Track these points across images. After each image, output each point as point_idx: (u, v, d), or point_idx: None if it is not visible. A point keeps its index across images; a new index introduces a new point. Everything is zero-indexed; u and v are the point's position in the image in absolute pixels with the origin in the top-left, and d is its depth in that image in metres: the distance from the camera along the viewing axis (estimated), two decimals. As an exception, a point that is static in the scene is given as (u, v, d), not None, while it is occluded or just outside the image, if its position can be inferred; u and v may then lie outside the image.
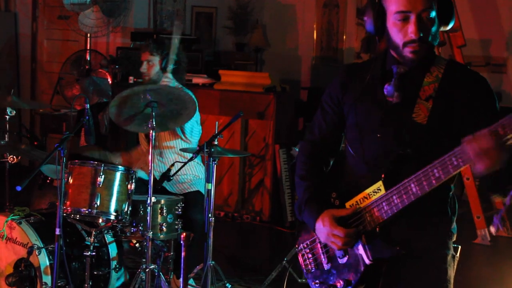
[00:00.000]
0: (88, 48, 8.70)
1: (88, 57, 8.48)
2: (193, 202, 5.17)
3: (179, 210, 4.98)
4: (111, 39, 8.94)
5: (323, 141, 3.01)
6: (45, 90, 9.78)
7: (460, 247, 2.82)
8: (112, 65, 7.95)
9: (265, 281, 5.79)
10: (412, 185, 2.53)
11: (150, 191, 4.63)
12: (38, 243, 4.65)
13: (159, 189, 5.01)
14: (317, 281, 2.87)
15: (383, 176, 2.63)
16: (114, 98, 4.74)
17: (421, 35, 2.60)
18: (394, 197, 2.57)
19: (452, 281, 2.76)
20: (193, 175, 5.30)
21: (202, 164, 5.19)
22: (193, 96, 5.19)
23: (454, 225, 2.83)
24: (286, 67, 10.03)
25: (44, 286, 4.59)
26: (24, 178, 4.31)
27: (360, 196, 2.72)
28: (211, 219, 4.86)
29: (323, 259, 2.82)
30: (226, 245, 6.41)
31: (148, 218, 4.67)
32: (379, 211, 2.63)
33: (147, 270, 4.72)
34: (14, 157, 5.28)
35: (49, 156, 4.58)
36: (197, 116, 5.39)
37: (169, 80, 5.33)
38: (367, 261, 2.65)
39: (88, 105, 5.18)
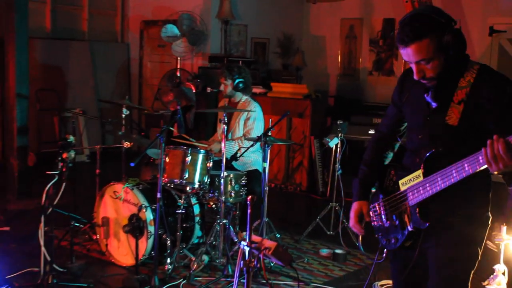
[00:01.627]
0: (178, 67, 8.81)
1: (178, 74, 8.62)
2: (253, 177, 5.33)
3: (243, 182, 5.13)
4: (194, 61, 9.04)
5: (387, 130, 2.90)
6: (148, 97, 9.89)
7: (491, 216, 2.58)
8: (195, 79, 8.09)
9: (304, 233, 5.89)
10: (439, 179, 2.37)
11: (223, 168, 4.81)
12: (145, 203, 4.82)
13: (229, 167, 5.13)
14: (380, 233, 2.82)
15: (422, 166, 2.49)
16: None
17: (421, 75, 2.43)
18: (427, 185, 2.44)
19: (482, 245, 2.58)
20: (253, 157, 5.31)
21: (259, 150, 5.22)
22: (258, 105, 5.51)
23: (488, 201, 2.59)
24: (319, 81, 10.11)
25: (149, 234, 4.75)
26: (135, 158, 4.43)
27: (406, 178, 2.59)
28: (266, 188, 5.03)
29: (384, 219, 2.76)
30: (276, 207, 6.47)
31: (222, 187, 4.87)
32: (418, 192, 2.51)
33: (220, 224, 4.91)
34: (128, 143, 5.44)
35: (152, 142, 4.94)
36: (260, 117, 5.45)
37: (239, 96, 5.46)
38: (410, 228, 2.57)
39: (179, 107, 5.31)
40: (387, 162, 2.92)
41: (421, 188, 2.49)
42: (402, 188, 2.63)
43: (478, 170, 2.23)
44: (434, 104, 2.53)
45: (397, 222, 2.68)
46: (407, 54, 2.41)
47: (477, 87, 2.39)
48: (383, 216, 2.78)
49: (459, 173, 2.28)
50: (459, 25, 2.50)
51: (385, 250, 2.83)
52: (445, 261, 2.58)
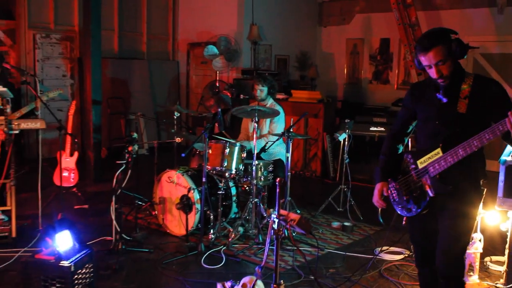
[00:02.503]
0: (217, 79, 8.80)
1: (217, 84, 8.57)
2: (278, 165, 5.30)
3: (270, 169, 5.12)
4: (230, 74, 9.02)
5: (400, 127, 3.04)
6: (194, 103, 9.90)
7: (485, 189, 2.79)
8: (231, 88, 8.06)
9: (318, 209, 5.89)
10: (460, 150, 2.56)
11: (254, 157, 4.86)
12: (193, 186, 4.85)
13: (259, 157, 5.13)
14: (400, 206, 2.94)
15: (441, 145, 2.67)
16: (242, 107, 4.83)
17: (440, 74, 2.66)
18: (448, 157, 2.62)
19: (480, 205, 2.86)
20: (278, 149, 5.27)
21: (283, 143, 5.18)
22: (281, 108, 5.48)
23: (485, 171, 2.79)
24: (329, 88, 10.03)
25: (196, 210, 4.79)
26: (185, 150, 4.45)
27: (425, 157, 2.75)
28: (288, 174, 5.01)
29: (403, 194, 2.88)
30: (296, 189, 6.45)
31: (253, 172, 4.90)
32: (439, 165, 2.67)
33: (252, 202, 4.92)
34: (179, 138, 5.46)
35: (198, 138, 4.94)
36: (282, 117, 5.45)
37: (268, 101, 5.46)
38: (431, 194, 2.71)
39: (220, 109, 5.26)
40: (399, 152, 3.04)
41: (442, 161, 2.64)
42: (421, 166, 2.77)
43: (493, 138, 2.43)
44: (444, 100, 2.71)
45: (415, 194, 2.81)
46: (428, 58, 2.63)
47: (476, 86, 2.65)
48: (402, 192, 2.89)
49: (481, 141, 2.47)
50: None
51: (403, 218, 2.97)
52: (454, 220, 2.73)
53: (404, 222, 3.00)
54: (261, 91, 5.47)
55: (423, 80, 2.99)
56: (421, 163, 2.77)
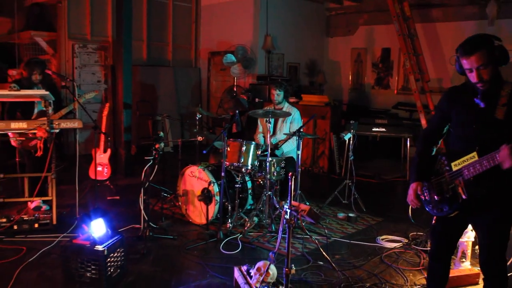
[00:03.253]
0: (235, 84, 8.79)
1: (235, 89, 8.57)
2: (290, 161, 5.22)
3: (283, 165, 5.03)
4: (246, 79, 8.96)
5: (433, 130, 2.84)
6: (214, 106, 9.92)
7: None
8: (247, 93, 8.05)
9: (325, 202, 5.85)
10: (497, 155, 2.37)
11: (268, 154, 4.81)
12: (213, 180, 4.84)
13: (272, 154, 5.07)
14: (430, 205, 2.75)
15: (477, 148, 2.48)
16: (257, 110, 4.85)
17: (480, 79, 2.49)
18: (484, 161, 2.42)
19: None
20: (290, 147, 5.23)
21: (295, 141, 5.14)
22: (297, 110, 5.51)
23: None
24: (336, 93, 9.94)
25: (216, 202, 4.78)
26: (206, 148, 4.42)
27: (460, 160, 2.56)
28: (299, 169, 5.00)
29: (435, 194, 2.69)
30: (305, 183, 6.41)
31: (267, 168, 4.86)
32: (474, 168, 2.48)
33: (266, 195, 4.90)
34: (200, 137, 5.46)
35: (218, 137, 4.92)
36: (299, 120, 5.45)
37: (284, 104, 5.45)
38: (464, 197, 2.53)
39: (237, 111, 5.25)
40: (433, 154, 2.86)
41: (477, 164, 2.46)
42: (455, 168, 2.59)
43: None
44: (482, 105, 2.53)
45: (447, 195, 2.63)
46: (470, 62, 2.47)
47: None
48: (434, 192, 2.71)
49: None
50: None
51: (434, 217, 2.80)
52: (490, 227, 2.58)
53: (434, 221, 2.81)
54: (278, 95, 5.45)
55: (461, 84, 2.77)
56: (455, 165, 2.59)
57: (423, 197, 2.78)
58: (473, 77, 2.50)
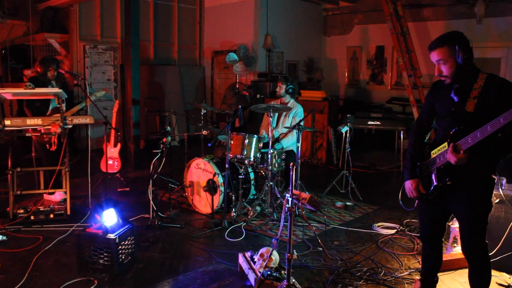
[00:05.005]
0: (237, 81, 8.75)
1: (237, 86, 8.54)
2: (290, 154, 5.18)
3: (283, 157, 4.98)
4: (248, 77, 8.93)
5: (424, 121, 2.82)
6: (217, 102, 9.89)
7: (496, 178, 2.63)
8: (249, 89, 8.00)
9: (324, 191, 5.82)
10: (469, 139, 2.37)
11: (270, 147, 4.76)
12: (218, 171, 4.82)
13: (274, 146, 5.01)
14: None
15: (448, 140, 2.51)
16: (259, 105, 4.76)
17: (439, 72, 2.54)
18: (441, 156, 2.52)
19: (491, 199, 2.58)
20: (290, 139, 5.19)
21: (294, 135, 5.12)
22: (300, 106, 5.41)
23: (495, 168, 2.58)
24: (333, 89, 9.94)
25: (221, 192, 4.71)
26: (211, 141, 4.39)
27: (436, 149, 2.63)
28: (298, 161, 4.97)
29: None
30: (305, 174, 6.41)
31: (269, 160, 4.82)
32: (443, 157, 2.54)
33: (268, 185, 4.86)
34: (205, 131, 5.43)
35: (222, 131, 4.90)
36: (302, 113, 5.38)
37: (288, 98, 5.37)
38: (435, 183, 2.60)
39: (240, 107, 5.20)
40: (424, 141, 2.88)
41: (441, 156, 2.53)
42: (433, 156, 2.66)
43: (498, 128, 2.23)
44: (456, 99, 2.55)
45: (425, 180, 2.69)
46: (432, 56, 2.53)
47: (486, 88, 2.45)
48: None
49: (494, 127, 2.25)
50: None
51: (416, 201, 2.83)
52: (466, 214, 2.57)
53: (415, 205, 2.86)
54: (280, 88, 5.39)
55: (440, 80, 2.75)
56: (433, 153, 2.66)
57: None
58: (435, 70, 2.56)
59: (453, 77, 2.53)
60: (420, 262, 3.71)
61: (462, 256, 3.71)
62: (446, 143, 2.54)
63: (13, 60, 8.32)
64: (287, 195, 2.40)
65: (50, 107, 4.90)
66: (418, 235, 4.24)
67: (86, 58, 8.41)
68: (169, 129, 4.54)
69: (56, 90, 4.40)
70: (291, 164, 2.50)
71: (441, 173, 2.57)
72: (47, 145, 4.72)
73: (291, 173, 2.40)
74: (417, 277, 3.11)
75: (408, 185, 2.78)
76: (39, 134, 4.55)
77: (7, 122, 4.28)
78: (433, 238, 2.89)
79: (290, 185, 2.41)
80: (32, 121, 4.36)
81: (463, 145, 2.42)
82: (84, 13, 8.39)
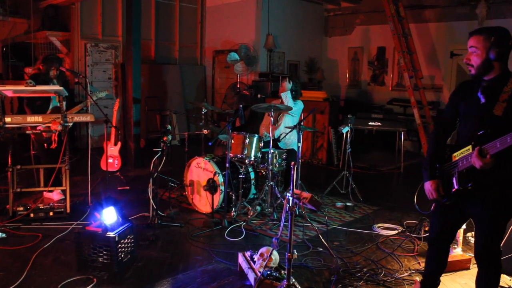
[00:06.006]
0: (238, 81, 8.74)
1: (238, 85, 8.52)
2: (291, 153, 5.17)
3: (284, 156, 5.00)
4: (249, 77, 8.92)
5: (447, 120, 2.70)
6: (218, 101, 9.89)
7: None
8: (250, 89, 7.99)
9: (324, 191, 5.81)
10: (469, 157, 2.36)
11: (270, 146, 4.76)
12: (218, 170, 4.80)
13: (276, 146, 5.08)
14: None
15: (473, 143, 2.41)
16: (260, 105, 4.72)
17: (468, 59, 2.47)
18: (465, 160, 2.41)
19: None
20: (291, 139, 5.19)
21: (296, 134, 5.10)
22: (298, 102, 5.34)
23: None
24: (334, 89, 9.93)
25: (221, 191, 4.71)
26: (211, 140, 4.33)
27: (459, 152, 2.52)
28: (299, 161, 4.96)
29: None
30: (305, 174, 6.39)
31: (269, 159, 4.80)
32: (466, 161, 2.44)
33: (268, 185, 4.86)
34: (206, 130, 5.37)
35: (222, 130, 4.90)
36: (299, 110, 5.33)
37: (287, 98, 5.26)
38: (456, 187, 2.50)
39: (241, 106, 5.18)
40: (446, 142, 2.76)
41: (465, 159, 2.43)
42: (454, 159, 2.55)
43: None
44: (482, 98, 2.46)
45: (447, 183, 2.58)
46: (469, 41, 2.45)
47: None
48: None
49: (504, 144, 2.19)
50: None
51: (433, 204, 2.73)
52: (485, 218, 2.49)
53: (432, 208, 2.75)
54: (284, 86, 5.30)
55: (468, 80, 2.66)
56: (455, 156, 2.55)
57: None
58: (465, 57, 2.49)
59: (478, 69, 2.45)
60: (421, 263, 3.71)
61: (462, 257, 3.72)
62: (470, 146, 2.44)
63: (14, 58, 8.33)
64: (287, 194, 2.38)
65: (51, 106, 4.89)
66: (419, 236, 4.23)
67: (87, 57, 8.39)
68: (169, 128, 4.53)
69: (57, 87, 4.38)
70: (292, 163, 2.48)
71: (463, 177, 2.48)
72: (45, 144, 4.71)
73: (292, 172, 2.38)
74: (417, 278, 3.10)
75: (428, 186, 2.66)
76: (38, 132, 4.54)
77: (8, 120, 4.27)
78: (442, 243, 2.83)
79: (291, 184, 2.40)
80: (33, 119, 4.35)
81: (490, 149, 2.31)
82: (85, 11, 8.38)
